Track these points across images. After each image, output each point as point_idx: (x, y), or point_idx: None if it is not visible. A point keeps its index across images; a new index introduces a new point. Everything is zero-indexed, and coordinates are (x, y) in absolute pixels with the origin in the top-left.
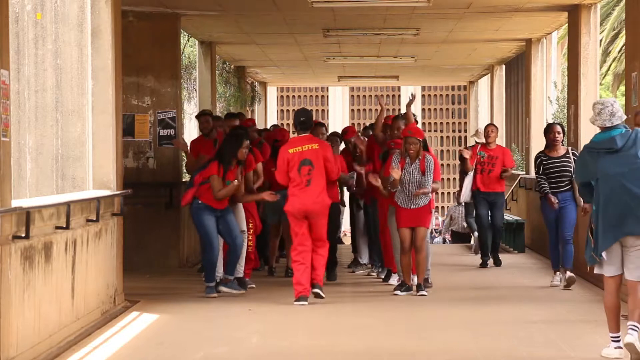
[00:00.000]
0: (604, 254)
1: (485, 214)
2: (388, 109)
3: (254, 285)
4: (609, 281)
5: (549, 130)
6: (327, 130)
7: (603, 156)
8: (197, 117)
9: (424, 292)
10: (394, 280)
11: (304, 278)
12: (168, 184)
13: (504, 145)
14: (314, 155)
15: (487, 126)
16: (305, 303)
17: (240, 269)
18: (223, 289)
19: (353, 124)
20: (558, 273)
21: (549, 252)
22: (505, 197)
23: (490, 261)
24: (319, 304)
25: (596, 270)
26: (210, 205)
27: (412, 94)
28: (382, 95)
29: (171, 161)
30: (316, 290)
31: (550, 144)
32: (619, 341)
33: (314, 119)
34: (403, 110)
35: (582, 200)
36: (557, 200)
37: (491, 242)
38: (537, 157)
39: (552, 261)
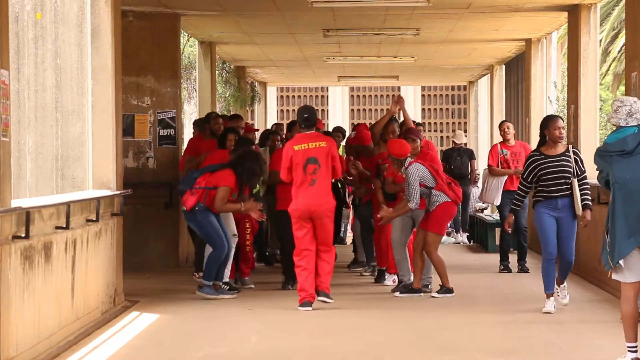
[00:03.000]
0: (621, 262)
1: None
2: (387, 109)
3: (252, 286)
4: (628, 288)
5: (549, 124)
6: (343, 137)
7: (617, 160)
8: (209, 118)
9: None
10: (389, 280)
11: (307, 283)
12: (168, 184)
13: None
14: (320, 153)
15: (502, 123)
16: (310, 309)
17: (227, 272)
18: (217, 296)
19: (353, 123)
20: (552, 298)
21: (542, 270)
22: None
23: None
24: (319, 303)
25: (614, 277)
26: (209, 207)
27: (398, 95)
28: (400, 98)
29: (171, 161)
30: (322, 298)
31: (554, 139)
32: (636, 351)
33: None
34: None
35: (580, 208)
36: (511, 228)
37: (519, 248)
38: (530, 156)
39: (545, 283)
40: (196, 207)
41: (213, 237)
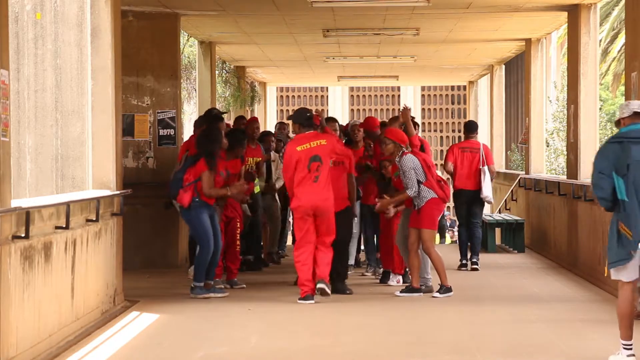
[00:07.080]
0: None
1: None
2: (387, 109)
3: (244, 286)
4: (626, 287)
5: None
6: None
7: (635, 144)
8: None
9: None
10: (393, 281)
11: (307, 278)
12: (168, 184)
13: (503, 145)
14: (322, 151)
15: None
16: (312, 301)
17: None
18: (208, 294)
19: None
20: None
21: None
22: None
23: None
24: (320, 303)
25: (613, 276)
26: (206, 202)
27: (405, 105)
28: (406, 108)
29: (171, 161)
30: (321, 285)
31: None
32: (631, 349)
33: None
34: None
35: None
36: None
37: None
38: None
39: None
40: (192, 203)
41: (201, 236)
